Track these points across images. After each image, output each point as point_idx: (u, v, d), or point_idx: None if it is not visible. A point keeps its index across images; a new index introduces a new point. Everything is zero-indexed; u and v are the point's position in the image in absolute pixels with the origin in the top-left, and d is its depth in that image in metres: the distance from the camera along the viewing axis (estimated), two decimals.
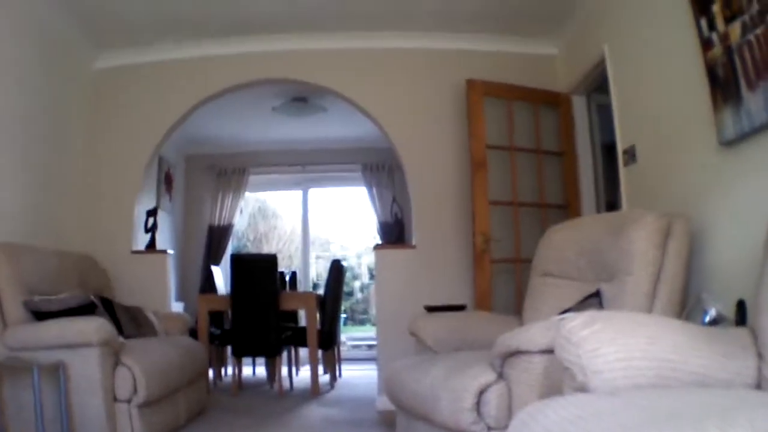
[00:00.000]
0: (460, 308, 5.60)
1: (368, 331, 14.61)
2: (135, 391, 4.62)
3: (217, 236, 11.36)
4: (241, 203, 11.80)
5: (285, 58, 7.39)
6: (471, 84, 6.57)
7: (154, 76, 7.47)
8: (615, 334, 2.28)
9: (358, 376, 9.83)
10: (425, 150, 7.21)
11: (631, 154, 5.28)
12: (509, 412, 3.36)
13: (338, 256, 13.88)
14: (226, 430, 5.68)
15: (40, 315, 4.81)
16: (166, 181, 10.65)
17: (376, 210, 11.45)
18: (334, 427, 5.84)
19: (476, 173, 6.37)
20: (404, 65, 7.43)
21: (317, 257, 14.15)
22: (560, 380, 2.87)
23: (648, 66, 5.02)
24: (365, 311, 15.63)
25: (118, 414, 4.60)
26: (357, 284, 15.94)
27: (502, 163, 6.59)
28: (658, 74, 4.84)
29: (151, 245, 7.58)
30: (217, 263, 10.81)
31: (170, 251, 7.49)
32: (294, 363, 9.12)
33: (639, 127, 5.20)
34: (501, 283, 6.48)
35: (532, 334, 3.22)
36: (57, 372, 4.40)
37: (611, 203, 6.70)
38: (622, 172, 5.45)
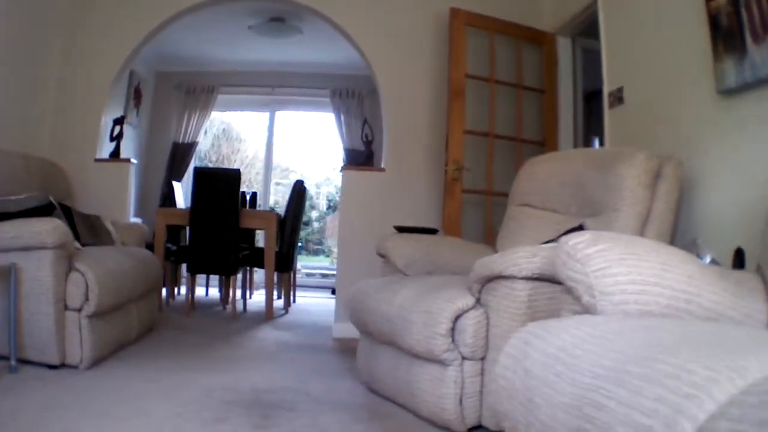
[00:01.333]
0: (432, 231, 5.47)
1: (322, 262, 14.78)
2: (86, 299, 4.44)
3: (181, 153, 11.16)
4: (207, 122, 11.64)
5: None
6: (454, 12, 6.44)
7: None
8: (623, 254, 2.13)
9: (312, 303, 9.78)
10: (403, 75, 7.11)
11: (617, 96, 5.18)
12: (486, 342, 3.31)
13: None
14: (177, 348, 5.51)
15: None
16: (135, 96, 10.43)
17: (342, 136, 11.39)
18: (289, 351, 5.71)
19: (454, 101, 6.29)
20: None
21: (277, 183, 14.01)
22: (543, 310, 2.98)
23: (643, 8, 4.91)
24: (320, 242, 15.66)
25: (67, 323, 4.42)
26: (314, 214, 15.86)
27: (480, 95, 6.53)
28: (655, 17, 4.73)
29: (115, 154, 7.35)
30: (178, 180, 10.61)
31: (134, 160, 7.33)
32: (248, 285, 9.01)
33: (628, 70, 5.10)
34: (470, 213, 6.45)
35: (517, 258, 3.14)
36: (8, 276, 4.23)
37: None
38: (607, 114, 5.35)
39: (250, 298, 9.03)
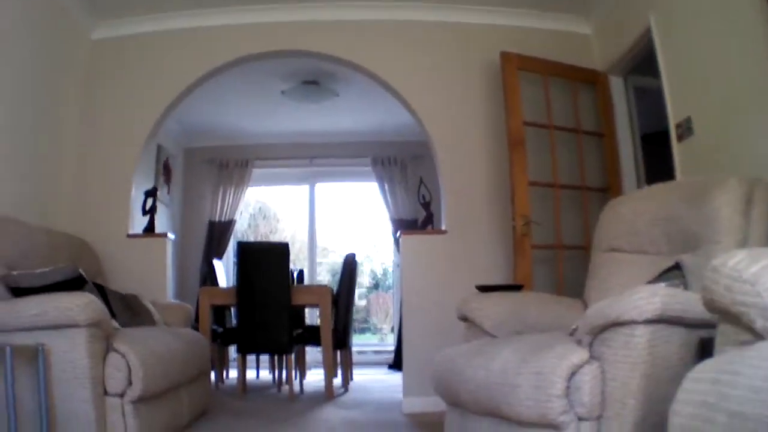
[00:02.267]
0: (516, 288, 4.96)
1: (369, 339, 14.49)
2: (129, 383, 3.84)
3: (218, 233, 10.82)
4: (243, 198, 11.25)
5: (298, 29, 6.85)
6: (505, 56, 6.13)
7: (155, 47, 6.88)
8: None
9: (369, 380, 9.23)
10: (455, 129, 6.71)
11: (686, 128, 4.94)
12: (602, 398, 2.83)
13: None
14: None
15: (20, 292, 4.05)
16: (165, 172, 10.05)
17: (388, 206, 11.03)
18: (357, 430, 5.19)
19: (514, 151, 5.92)
20: (431, 39, 6.92)
21: (318, 263, 13.57)
22: (662, 356, 2.66)
23: (703, 34, 4.80)
24: (366, 320, 15.19)
25: (108, 410, 3.82)
26: (357, 291, 15.37)
27: (538, 143, 6.16)
28: (714, 38, 4.62)
29: (149, 229, 6.96)
30: (218, 258, 10.19)
31: (171, 235, 6.82)
32: (301, 365, 8.39)
33: (694, 98, 4.90)
34: (538, 269, 6.00)
35: (637, 301, 2.68)
36: (35, 358, 3.62)
37: None
38: (676, 148, 5.09)
39: (304, 378, 8.30)
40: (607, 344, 2.81)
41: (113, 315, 4.62)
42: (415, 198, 10.21)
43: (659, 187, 4.43)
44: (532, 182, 5.91)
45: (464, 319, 4.44)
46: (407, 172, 10.92)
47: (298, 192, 12.24)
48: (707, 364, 1.80)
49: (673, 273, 3.42)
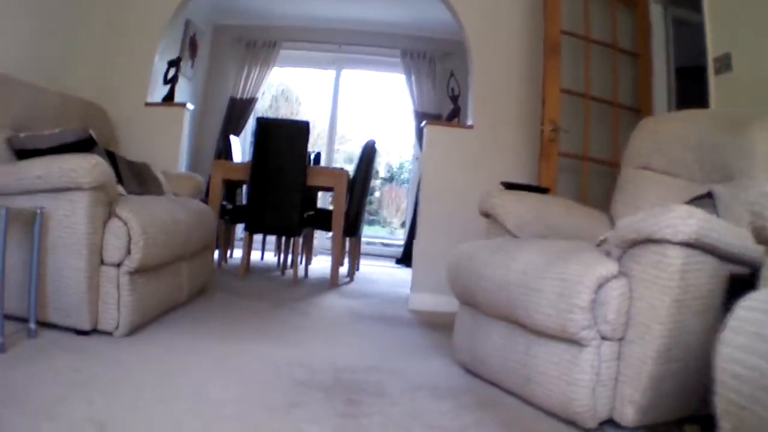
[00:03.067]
0: (543, 191, 4.84)
1: (378, 232, 14.57)
2: (128, 252, 3.70)
3: (239, 109, 10.61)
4: (267, 78, 10.96)
5: None
6: None
7: None
8: None
9: (375, 271, 9.12)
10: (491, 25, 6.44)
11: (724, 63, 4.70)
12: (627, 319, 2.74)
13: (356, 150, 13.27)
14: (233, 314, 4.84)
15: (25, 154, 3.87)
16: (191, 47, 9.79)
17: (413, 98, 10.80)
18: (363, 323, 5.07)
19: (549, 57, 5.68)
20: None
21: (335, 150, 13.49)
22: (693, 284, 2.58)
23: None
24: (377, 212, 15.26)
25: (102, 280, 3.68)
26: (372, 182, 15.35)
27: (573, 54, 5.96)
28: None
29: (168, 98, 6.75)
30: (236, 135, 10.05)
31: (190, 105, 6.61)
32: (307, 250, 8.33)
33: (736, 36, 4.66)
34: (563, 178, 5.85)
35: (672, 219, 2.57)
36: (32, 223, 3.50)
37: None
38: (713, 81, 4.83)
39: (310, 263, 8.27)
40: (637, 260, 2.73)
41: (120, 181, 4.51)
42: (441, 93, 10.22)
43: (697, 113, 4.35)
44: (565, 90, 5.72)
45: (486, 215, 4.34)
46: (435, 68, 10.73)
47: (323, 76, 11.95)
48: (762, 294, 1.72)
49: (704, 201, 3.35)
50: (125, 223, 3.69)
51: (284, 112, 14.51)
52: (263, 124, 6.96)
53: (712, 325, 2.56)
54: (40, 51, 5.35)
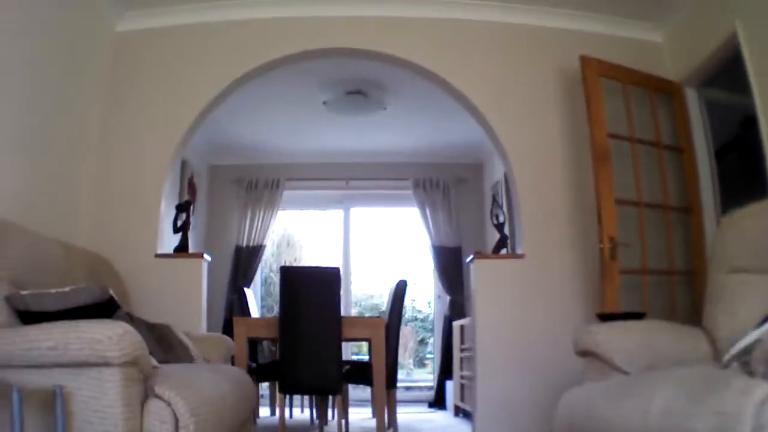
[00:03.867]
0: (639, 316, 4.45)
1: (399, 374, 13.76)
2: None
3: (246, 259, 10.19)
4: (274, 222, 10.61)
5: (347, 25, 6.29)
6: (586, 62, 5.63)
7: (187, 43, 6.29)
8: None
9: (413, 419, 8.53)
10: (531, 141, 6.20)
11: None
12: None
13: (369, 293, 13.32)
14: None
15: (31, 317, 3.17)
16: (190, 190, 9.36)
17: (430, 232, 10.43)
18: None
19: (600, 166, 5.43)
20: (499, 41, 6.41)
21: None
22: None
23: None
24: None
25: None
26: None
27: (618, 157, 5.67)
28: None
29: (181, 248, 6.27)
30: (246, 286, 9.56)
31: (207, 256, 6.11)
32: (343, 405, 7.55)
33: None
34: (623, 298, 5.44)
35: None
36: (51, 404, 2.77)
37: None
38: None
39: (347, 421, 7.53)
40: None
41: None
42: (457, 224, 10.36)
43: None
44: (618, 200, 5.45)
45: (585, 353, 3.99)
46: (450, 196, 10.44)
47: (330, 217, 11.80)
48: None
49: None
50: (168, 404, 2.95)
51: (287, 259, 13.94)
52: (289, 273, 6.45)
53: None
54: (35, 195, 4.91)
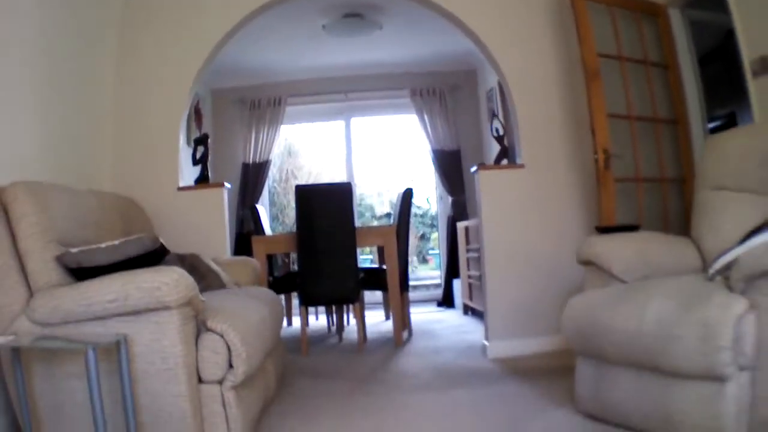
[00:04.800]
0: (633, 228, 4.76)
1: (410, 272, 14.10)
2: (230, 366, 3.34)
3: (253, 175, 10.48)
4: (278, 137, 10.83)
5: None
6: None
7: None
8: None
9: (425, 320, 8.85)
10: (525, 60, 6.38)
11: (763, 65, 4.68)
12: (759, 347, 2.90)
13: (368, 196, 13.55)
14: (328, 403, 4.49)
15: (82, 273, 3.43)
16: (196, 116, 9.62)
17: (429, 137, 10.71)
18: (454, 384, 4.93)
19: (591, 83, 5.61)
20: None
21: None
22: None
23: None
24: None
25: (206, 401, 3.32)
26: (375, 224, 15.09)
27: (609, 75, 5.82)
28: None
29: (202, 179, 6.49)
30: (255, 203, 9.86)
31: (227, 184, 6.36)
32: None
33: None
34: (619, 205, 5.69)
35: None
36: (114, 350, 3.12)
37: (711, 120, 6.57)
38: (752, 84, 4.86)
39: (348, 324, 8.25)
40: (764, 293, 2.89)
41: None
42: (456, 128, 10.59)
43: (760, 127, 4.53)
44: (612, 114, 5.66)
45: (586, 263, 4.31)
46: (447, 103, 10.66)
47: (331, 128, 11.99)
48: None
49: None
50: (221, 336, 3.33)
51: (289, 168, 14.23)
52: (305, 192, 6.73)
53: None
54: (61, 149, 5.10)
